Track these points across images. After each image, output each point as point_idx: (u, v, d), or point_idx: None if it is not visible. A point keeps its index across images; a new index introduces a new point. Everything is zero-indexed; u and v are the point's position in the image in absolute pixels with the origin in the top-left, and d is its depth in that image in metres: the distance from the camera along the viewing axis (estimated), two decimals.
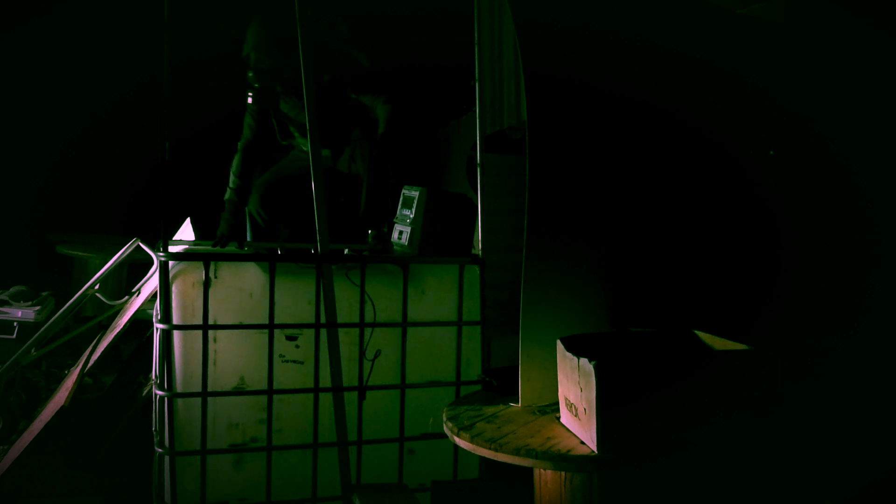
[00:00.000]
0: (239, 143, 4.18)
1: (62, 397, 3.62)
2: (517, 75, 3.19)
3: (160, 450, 3.09)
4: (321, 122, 3.25)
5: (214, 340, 3.16)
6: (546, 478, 2.45)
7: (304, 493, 3.21)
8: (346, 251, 3.52)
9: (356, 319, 3.26)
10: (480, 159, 3.32)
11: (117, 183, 7.20)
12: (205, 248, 3.69)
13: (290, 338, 3.25)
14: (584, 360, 2.25)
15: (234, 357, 3.18)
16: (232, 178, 4.04)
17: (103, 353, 3.96)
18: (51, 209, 7.37)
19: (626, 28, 2.96)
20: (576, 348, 2.37)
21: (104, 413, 4.04)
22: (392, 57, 4.62)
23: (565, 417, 2.45)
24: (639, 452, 2.26)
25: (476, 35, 3.34)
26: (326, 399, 3.22)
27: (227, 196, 4.06)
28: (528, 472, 2.51)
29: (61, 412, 3.52)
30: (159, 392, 3.10)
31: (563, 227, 2.74)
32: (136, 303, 3.89)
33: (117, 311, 4.20)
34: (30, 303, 4.44)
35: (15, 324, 4.37)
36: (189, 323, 3.10)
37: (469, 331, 3.39)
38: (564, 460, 2.24)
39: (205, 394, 3.08)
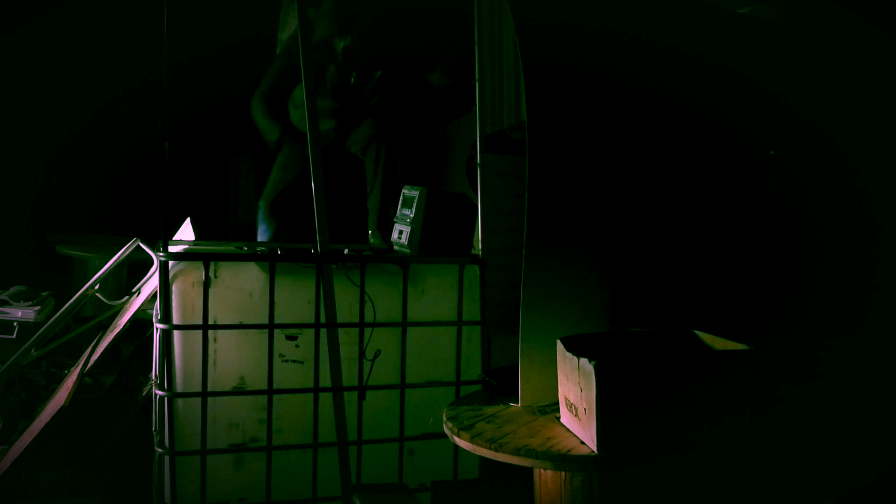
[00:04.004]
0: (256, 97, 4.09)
1: (62, 397, 3.63)
2: (517, 75, 3.19)
3: (160, 450, 3.09)
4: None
5: (214, 340, 3.16)
6: (546, 478, 2.45)
7: (304, 493, 3.21)
8: (346, 251, 3.52)
9: (356, 319, 3.26)
10: (480, 159, 3.31)
11: (117, 183, 7.21)
12: (205, 247, 3.69)
13: (290, 338, 3.25)
14: (584, 360, 2.24)
15: (234, 357, 3.18)
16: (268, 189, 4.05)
17: (103, 353, 3.96)
18: (51, 209, 7.38)
19: (626, 28, 2.96)
20: (576, 348, 2.37)
21: (104, 413, 4.04)
22: (393, 57, 4.61)
23: (565, 417, 2.45)
24: (639, 452, 2.25)
25: (476, 35, 3.34)
26: (326, 399, 3.22)
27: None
28: (528, 472, 2.51)
29: (61, 412, 3.52)
30: (159, 392, 3.10)
31: (562, 226, 2.74)
32: (136, 303, 3.89)
33: (117, 311, 4.21)
34: (30, 303, 4.44)
35: (15, 324, 4.37)
36: (189, 323, 3.10)
37: (469, 331, 3.39)
38: (564, 460, 2.23)
39: (205, 394, 3.07)
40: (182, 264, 3.12)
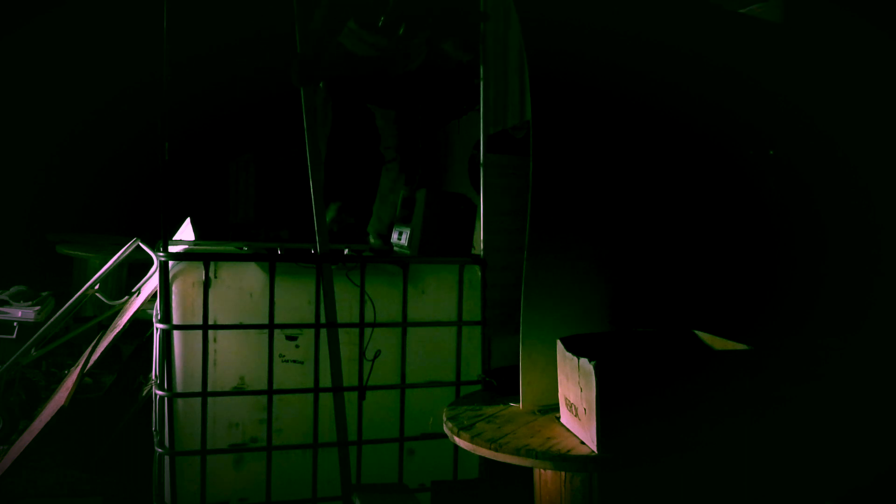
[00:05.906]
0: None
1: (62, 397, 3.63)
2: (522, 75, 3.19)
3: (160, 450, 3.09)
4: None
5: (214, 340, 3.16)
6: (546, 478, 2.45)
7: (304, 493, 3.21)
8: (346, 251, 3.52)
9: (356, 319, 3.26)
10: (483, 159, 3.31)
11: (117, 183, 7.22)
12: (205, 247, 3.69)
13: (290, 338, 3.25)
14: (584, 360, 2.24)
15: (234, 357, 3.18)
16: None
17: (103, 353, 3.97)
18: (51, 209, 7.39)
19: (629, 28, 2.96)
20: (576, 348, 2.37)
21: (104, 413, 4.04)
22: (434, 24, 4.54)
23: (565, 417, 2.45)
24: (639, 452, 2.25)
25: (481, 33, 3.34)
26: (326, 399, 3.22)
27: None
28: (528, 472, 2.51)
29: (61, 412, 3.53)
30: (159, 392, 3.10)
31: (564, 227, 2.73)
32: (136, 303, 3.90)
33: (117, 311, 4.21)
34: (30, 303, 4.44)
35: (15, 324, 4.38)
36: (189, 323, 3.10)
37: (469, 331, 3.39)
38: (564, 460, 2.23)
39: (205, 394, 3.07)
40: (182, 264, 3.12)
